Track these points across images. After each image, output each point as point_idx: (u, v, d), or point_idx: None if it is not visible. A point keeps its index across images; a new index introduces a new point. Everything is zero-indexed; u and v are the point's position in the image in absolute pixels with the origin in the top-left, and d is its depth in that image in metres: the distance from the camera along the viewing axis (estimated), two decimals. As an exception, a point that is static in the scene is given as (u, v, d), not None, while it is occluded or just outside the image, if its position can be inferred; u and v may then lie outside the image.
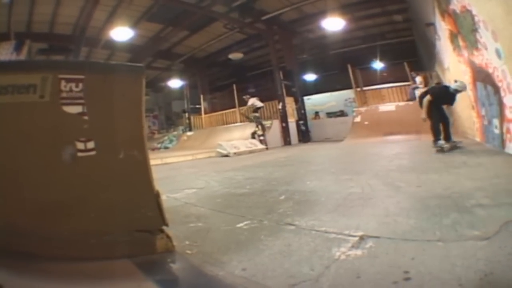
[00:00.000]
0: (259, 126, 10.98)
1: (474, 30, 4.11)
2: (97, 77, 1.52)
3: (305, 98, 13.62)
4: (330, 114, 14.87)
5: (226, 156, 8.25)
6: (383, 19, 12.33)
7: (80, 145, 1.44)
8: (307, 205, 2.32)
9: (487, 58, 4.07)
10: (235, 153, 8.43)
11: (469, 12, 4.09)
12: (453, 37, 5.54)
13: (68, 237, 1.41)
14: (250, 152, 9.02)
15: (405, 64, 11.36)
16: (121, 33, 10.17)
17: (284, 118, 11.84)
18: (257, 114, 11.26)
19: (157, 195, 1.56)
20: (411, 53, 13.19)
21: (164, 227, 1.56)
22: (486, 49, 3.97)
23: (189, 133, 15.16)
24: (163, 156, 8.39)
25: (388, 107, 10.18)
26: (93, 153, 1.45)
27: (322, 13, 10.48)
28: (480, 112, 5.24)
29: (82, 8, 9.54)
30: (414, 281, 1.07)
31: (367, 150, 6.59)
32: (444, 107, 5.18)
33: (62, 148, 1.43)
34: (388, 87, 11.63)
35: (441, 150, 4.78)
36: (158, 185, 1.59)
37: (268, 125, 11.45)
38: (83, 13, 9.76)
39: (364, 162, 4.85)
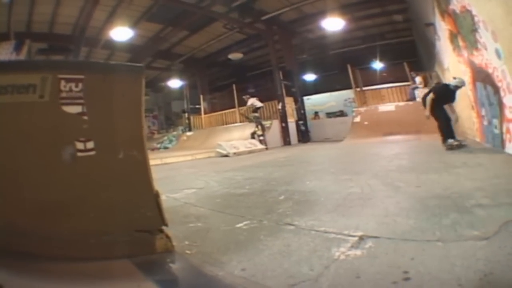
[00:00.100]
0: (259, 126, 10.98)
1: (474, 30, 4.11)
2: (97, 77, 1.52)
3: (305, 98, 13.63)
4: (329, 114, 14.88)
5: (226, 156, 8.25)
6: (383, 19, 12.33)
7: (80, 145, 1.44)
8: (306, 205, 2.32)
9: (487, 58, 4.08)
10: (234, 153, 8.43)
11: (469, 12, 4.10)
12: (453, 37, 5.55)
13: (67, 237, 1.41)
14: (250, 152, 9.02)
15: (405, 64, 11.37)
16: (121, 33, 10.17)
17: (283, 118, 11.84)
18: (257, 114, 11.27)
19: (156, 195, 1.56)
20: (410, 53, 13.20)
21: (164, 227, 1.56)
22: (486, 49, 3.97)
23: (188, 133, 15.16)
24: (163, 156, 8.39)
25: (387, 107, 10.19)
26: (92, 153, 1.45)
27: (322, 13, 10.49)
28: (480, 112, 5.24)
29: (82, 8, 9.53)
30: (413, 281, 1.07)
31: (366, 150, 6.59)
32: (446, 106, 5.27)
33: (61, 148, 1.43)
34: (387, 87, 11.64)
35: (451, 148, 4.87)
36: (157, 185, 1.59)
37: (268, 125, 11.45)
38: (83, 13, 9.76)
39: (364, 162, 4.85)
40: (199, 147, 11.60)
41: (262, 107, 11.61)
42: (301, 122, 12.63)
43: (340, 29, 11.10)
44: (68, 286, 1.23)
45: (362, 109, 10.67)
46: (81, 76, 1.46)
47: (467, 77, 5.45)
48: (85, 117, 1.46)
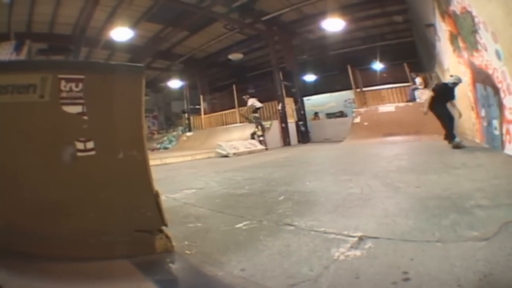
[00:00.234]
0: (259, 127, 10.98)
1: (474, 31, 4.12)
2: (97, 77, 1.52)
3: (305, 98, 13.62)
4: (329, 115, 14.89)
5: (226, 156, 8.25)
6: (383, 20, 12.33)
7: (80, 145, 1.44)
8: (306, 206, 2.32)
9: (487, 59, 4.08)
10: (234, 154, 8.43)
11: (469, 13, 4.10)
12: (453, 38, 5.56)
13: (67, 237, 1.41)
14: (250, 152, 9.02)
15: (405, 65, 11.37)
16: (121, 34, 10.17)
17: (283, 119, 11.84)
18: (257, 115, 11.27)
19: (156, 195, 1.56)
20: (411, 54, 13.21)
21: (163, 227, 1.55)
22: (486, 50, 3.98)
23: (188, 134, 15.16)
24: (163, 157, 8.39)
25: (387, 108, 10.18)
26: (92, 153, 1.45)
27: (322, 13, 10.49)
28: (480, 113, 5.25)
29: (82, 9, 9.54)
30: (413, 281, 1.07)
31: (366, 151, 6.59)
32: (448, 105, 5.49)
33: (61, 148, 1.43)
34: (387, 88, 11.64)
35: (457, 146, 5.03)
36: (157, 185, 1.59)
37: (268, 125, 11.46)
38: (83, 14, 9.76)
39: (364, 163, 4.85)
40: (199, 147, 11.60)
41: (261, 107, 11.62)
42: (301, 122, 12.62)
43: (340, 30, 11.10)
44: (67, 286, 1.23)
45: (362, 110, 10.67)
46: (81, 76, 1.46)
47: (467, 78, 5.46)
48: (85, 117, 1.46)
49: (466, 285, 1.01)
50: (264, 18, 11.36)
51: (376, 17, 12.08)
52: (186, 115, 16.30)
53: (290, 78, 12.35)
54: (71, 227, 1.43)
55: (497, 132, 4.34)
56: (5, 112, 1.37)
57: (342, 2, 10.57)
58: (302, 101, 12.98)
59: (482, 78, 4.54)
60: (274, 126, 11.69)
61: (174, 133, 16.68)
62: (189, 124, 15.77)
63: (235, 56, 14.51)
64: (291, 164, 5.40)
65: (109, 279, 1.31)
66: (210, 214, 2.33)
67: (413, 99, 10.10)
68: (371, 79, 12.36)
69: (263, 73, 15.90)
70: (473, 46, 4.45)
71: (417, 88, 10.19)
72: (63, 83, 1.42)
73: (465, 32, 4.57)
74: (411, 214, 1.82)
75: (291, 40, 12.99)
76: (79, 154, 1.43)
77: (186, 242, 1.67)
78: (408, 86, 10.93)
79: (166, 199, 2.65)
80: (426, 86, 9.90)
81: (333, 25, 10.65)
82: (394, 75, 11.78)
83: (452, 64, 6.68)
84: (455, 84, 5.33)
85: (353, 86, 11.73)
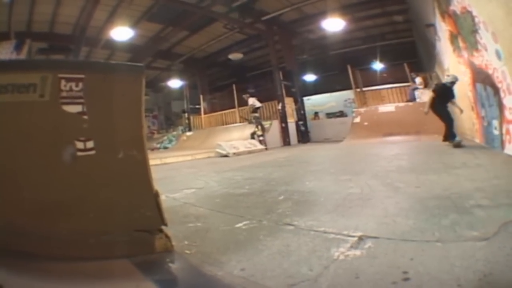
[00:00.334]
0: (259, 127, 10.98)
1: (474, 31, 4.12)
2: (97, 77, 1.52)
3: (305, 98, 13.62)
4: (329, 115, 14.87)
5: (226, 156, 8.25)
6: (383, 19, 12.33)
7: (80, 145, 1.44)
8: (306, 205, 2.32)
9: (487, 59, 4.08)
10: (234, 154, 8.42)
11: (469, 13, 4.10)
12: (453, 38, 5.56)
13: (67, 237, 1.41)
14: (250, 152, 9.01)
15: (405, 65, 11.37)
16: (121, 33, 10.16)
17: (283, 119, 11.84)
18: (256, 114, 11.27)
19: (156, 195, 1.55)
20: (411, 54, 13.20)
21: (163, 227, 1.55)
22: (486, 50, 3.98)
23: (188, 133, 15.16)
24: (163, 156, 8.39)
25: (387, 107, 10.18)
26: (92, 152, 1.45)
27: (322, 13, 10.48)
28: (480, 113, 5.25)
29: (83, 8, 9.53)
30: (413, 281, 1.07)
31: (366, 150, 6.59)
32: (449, 105, 5.63)
33: (61, 148, 1.43)
34: (388, 88, 11.64)
35: (458, 145, 5.17)
36: (157, 185, 1.59)
37: (268, 125, 11.46)
38: (83, 13, 9.76)
39: (364, 163, 4.85)
40: (198, 147, 11.59)
41: (261, 107, 11.61)
42: (301, 122, 12.62)
43: (340, 30, 11.09)
44: (67, 286, 1.23)
45: (362, 110, 10.67)
46: (82, 76, 1.46)
47: (467, 77, 5.46)
48: (85, 117, 1.46)
49: (466, 285, 1.01)
50: (264, 18, 11.36)
51: (376, 17, 12.08)
52: (186, 114, 16.31)
53: (290, 78, 12.35)
54: (71, 227, 1.43)
55: (497, 132, 4.34)
56: (5, 112, 1.36)
57: (342, 2, 10.57)
58: (302, 101, 12.98)
59: (482, 78, 4.54)
60: (274, 126, 11.69)
61: (174, 132, 16.68)
62: (189, 123, 15.77)
63: (235, 56, 14.50)
64: (291, 164, 5.40)
65: (109, 279, 1.31)
66: (210, 213, 2.33)
67: (413, 99, 10.10)
68: (371, 79, 12.36)
69: (263, 73, 15.89)
70: (473, 46, 4.45)
71: (417, 88, 10.19)
72: (63, 82, 1.42)
73: (465, 32, 4.57)
74: (411, 214, 1.82)
75: (291, 39, 12.99)
76: (79, 153, 1.43)
77: (186, 242, 1.67)
78: (408, 86, 10.94)
79: (166, 198, 2.65)
80: (426, 86, 9.91)
81: (333, 25, 10.64)
82: (394, 75, 11.78)
83: (452, 64, 6.67)
84: (453, 83, 5.48)
85: (353, 86, 11.73)
